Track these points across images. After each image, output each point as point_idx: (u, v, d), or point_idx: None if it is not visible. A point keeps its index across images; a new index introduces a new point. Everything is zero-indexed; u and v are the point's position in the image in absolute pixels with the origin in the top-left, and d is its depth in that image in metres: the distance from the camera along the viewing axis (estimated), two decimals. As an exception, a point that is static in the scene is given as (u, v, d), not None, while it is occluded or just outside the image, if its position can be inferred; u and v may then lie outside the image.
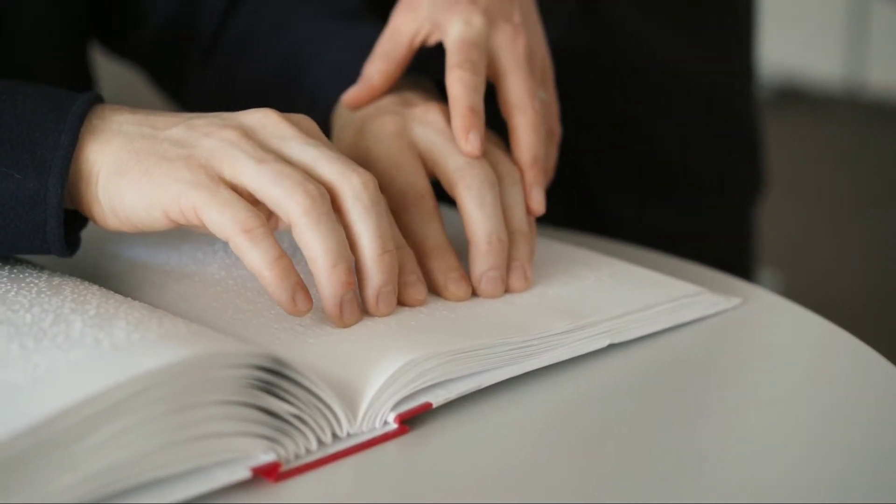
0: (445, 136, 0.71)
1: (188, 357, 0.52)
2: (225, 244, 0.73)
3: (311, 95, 0.81)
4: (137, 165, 0.63)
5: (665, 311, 0.68)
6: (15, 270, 0.65)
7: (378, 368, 0.58)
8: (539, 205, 0.72)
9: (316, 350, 0.61)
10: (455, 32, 0.73)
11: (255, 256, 0.61)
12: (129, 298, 0.62)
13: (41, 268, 0.66)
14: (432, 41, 0.76)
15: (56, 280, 0.64)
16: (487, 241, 0.68)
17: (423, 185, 0.70)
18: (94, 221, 0.66)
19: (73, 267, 0.71)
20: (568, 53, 1.03)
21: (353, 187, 0.63)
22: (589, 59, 1.06)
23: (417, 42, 0.76)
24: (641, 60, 1.08)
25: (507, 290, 0.69)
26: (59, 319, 0.57)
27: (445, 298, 0.68)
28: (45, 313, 0.58)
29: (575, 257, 0.74)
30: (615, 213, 1.10)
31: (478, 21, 0.74)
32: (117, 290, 0.66)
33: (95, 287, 0.63)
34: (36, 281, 0.63)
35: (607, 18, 1.05)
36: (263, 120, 0.65)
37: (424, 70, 0.78)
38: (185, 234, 0.74)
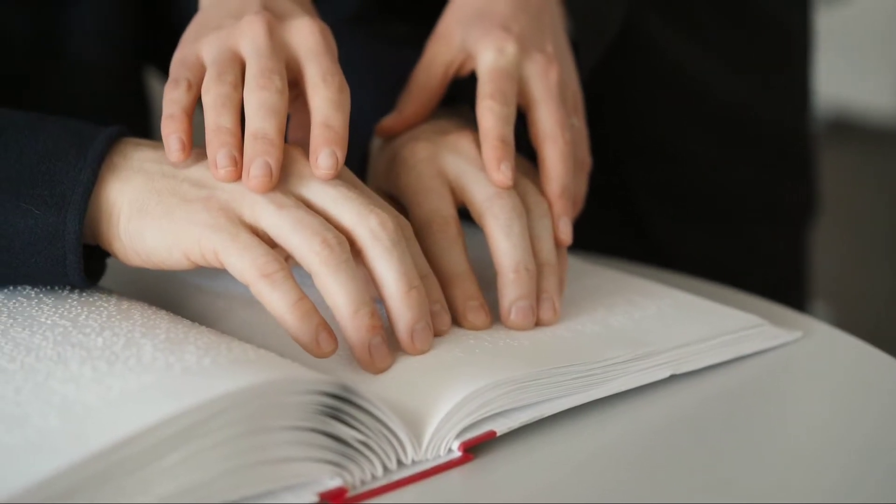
0: (476, 164, 0.71)
1: (260, 382, 0.52)
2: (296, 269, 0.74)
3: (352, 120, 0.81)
4: (158, 206, 0.63)
5: (726, 342, 0.68)
6: (84, 294, 0.66)
7: (444, 396, 0.58)
8: (567, 236, 0.72)
9: (382, 377, 0.61)
10: (487, 61, 0.73)
11: (276, 300, 0.61)
12: (196, 324, 0.63)
13: (109, 291, 0.67)
14: (466, 71, 0.76)
15: (125, 304, 0.65)
16: (515, 270, 0.68)
17: (448, 212, 0.70)
18: (116, 258, 0.66)
19: (138, 290, 0.72)
20: (614, 80, 1.04)
21: (371, 229, 0.63)
22: (636, 86, 1.07)
23: (451, 73, 0.76)
24: (689, 86, 1.08)
25: (536, 323, 0.68)
26: (131, 343, 0.58)
27: (464, 327, 0.67)
28: (117, 337, 0.59)
29: (637, 287, 0.74)
30: (665, 238, 1.10)
31: (511, 49, 0.73)
32: (183, 315, 0.67)
33: (163, 312, 0.64)
34: (105, 305, 0.64)
35: (653, 46, 1.06)
36: (285, 157, 0.65)
37: (463, 97, 0.78)
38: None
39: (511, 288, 0.68)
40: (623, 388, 0.64)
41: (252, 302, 0.70)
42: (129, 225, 0.64)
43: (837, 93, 3.24)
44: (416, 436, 0.57)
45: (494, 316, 0.68)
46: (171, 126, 0.65)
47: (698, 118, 1.09)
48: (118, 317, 0.62)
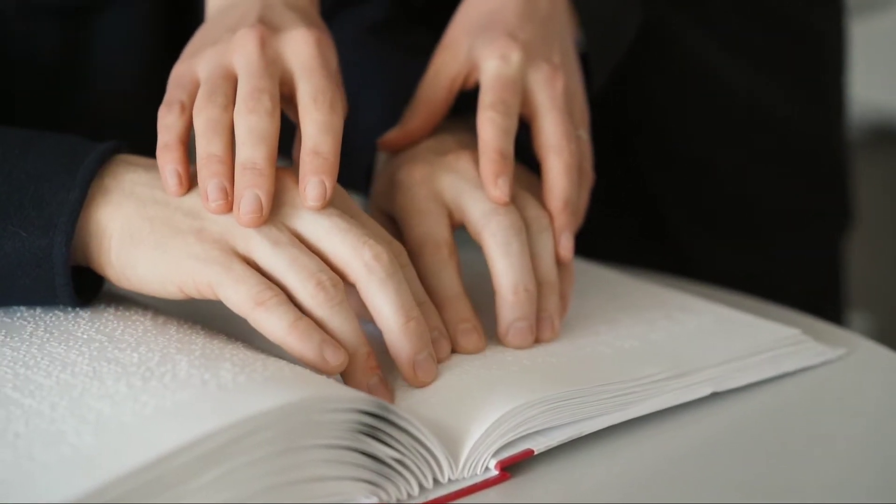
0: (473, 183, 0.69)
1: (295, 400, 0.52)
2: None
3: (363, 134, 0.80)
4: (150, 236, 0.63)
5: (769, 359, 0.67)
6: (121, 308, 0.66)
7: (481, 415, 0.58)
8: (568, 251, 0.70)
9: (418, 395, 0.61)
10: (490, 69, 0.72)
11: (273, 325, 0.60)
12: (232, 339, 0.63)
13: (146, 306, 0.67)
14: (472, 82, 0.74)
15: (161, 319, 0.64)
16: (514, 291, 0.67)
17: (441, 235, 0.68)
18: (109, 282, 0.65)
19: (173, 305, 0.71)
20: (642, 89, 1.03)
21: (365, 262, 0.62)
22: (664, 95, 1.06)
23: (458, 86, 0.74)
24: (718, 95, 1.07)
25: (535, 341, 0.67)
26: (166, 359, 0.58)
27: (458, 351, 0.66)
28: (152, 353, 0.59)
29: (677, 302, 0.74)
30: (694, 250, 1.09)
31: (515, 57, 0.72)
32: (217, 330, 0.67)
33: (199, 327, 0.64)
34: (142, 319, 0.64)
35: (681, 53, 1.05)
36: (277, 185, 0.63)
37: (470, 108, 0.75)
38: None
39: (509, 310, 0.67)
40: (663, 406, 0.63)
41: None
42: (120, 252, 0.63)
43: (876, 101, 3.21)
44: (453, 454, 0.57)
45: (491, 335, 0.67)
46: (167, 157, 0.64)
47: (728, 127, 1.08)
48: (154, 332, 0.62)
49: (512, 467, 0.58)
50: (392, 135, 0.75)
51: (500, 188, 0.68)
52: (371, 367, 0.61)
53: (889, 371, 0.71)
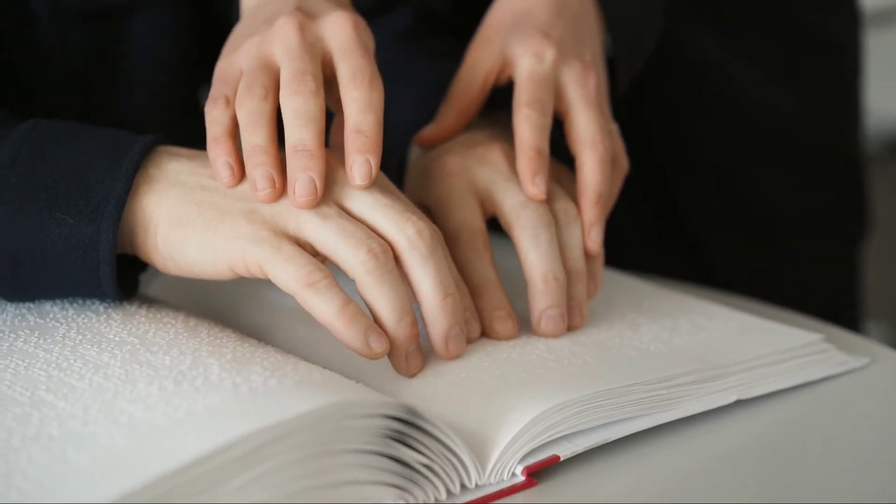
0: (504, 175, 0.72)
1: (325, 405, 0.52)
2: (354, 293, 0.74)
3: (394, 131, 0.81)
4: (199, 219, 0.64)
5: (793, 367, 0.68)
6: (152, 310, 0.67)
7: (508, 420, 0.58)
8: (596, 244, 0.72)
9: (447, 400, 0.61)
10: (525, 67, 0.73)
11: (322, 307, 0.61)
12: (263, 342, 0.63)
13: (177, 308, 0.68)
14: (505, 78, 0.76)
15: (192, 321, 0.65)
16: (543, 280, 0.69)
17: (476, 224, 0.70)
18: (155, 268, 0.67)
19: (204, 308, 0.72)
20: (663, 100, 1.04)
21: (408, 237, 0.63)
22: (686, 105, 1.06)
23: (491, 81, 0.76)
24: (739, 104, 1.08)
25: (567, 329, 0.69)
26: (198, 362, 0.58)
27: (491, 337, 0.68)
28: (184, 356, 0.59)
29: (701, 310, 0.74)
30: (716, 257, 1.09)
31: (549, 55, 0.73)
32: (248, 333, 0.67)
33: (230, 330, 0.65)
34: (173, 322, 0.65)
35: (702, 63, 1.05)
36: None
37: (500, 104, 0.78)
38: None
39: (540, 297, 0.69)
40: (688, 413, 0.63)
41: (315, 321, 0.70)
42: (168, 236, 0.64)
43: (892, 113, 3.21)
44: (480, 459, 0.57)
45: (525, 325, 0.69)
46: (217, 150, 0.65)
47: (748, 135, 1.09)
48: (185, 334, 0.63)
49: (538, 473, 0.58)
50: (428, 131, 0.77)
51: (537, 185, 0.70)
52: (414, 335, 0.63)
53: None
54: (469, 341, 0.67)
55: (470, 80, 0.76)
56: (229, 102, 0.66)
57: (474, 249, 0.70)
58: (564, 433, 0.59)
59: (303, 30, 0.67)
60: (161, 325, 0.64)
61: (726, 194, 1.09)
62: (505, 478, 0.58)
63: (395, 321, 0.62)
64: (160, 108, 0.92)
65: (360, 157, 0.64)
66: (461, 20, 0.93)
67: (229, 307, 0.74)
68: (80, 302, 0.68)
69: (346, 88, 0.66)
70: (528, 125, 0.71)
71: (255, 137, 0.64)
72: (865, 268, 1.21)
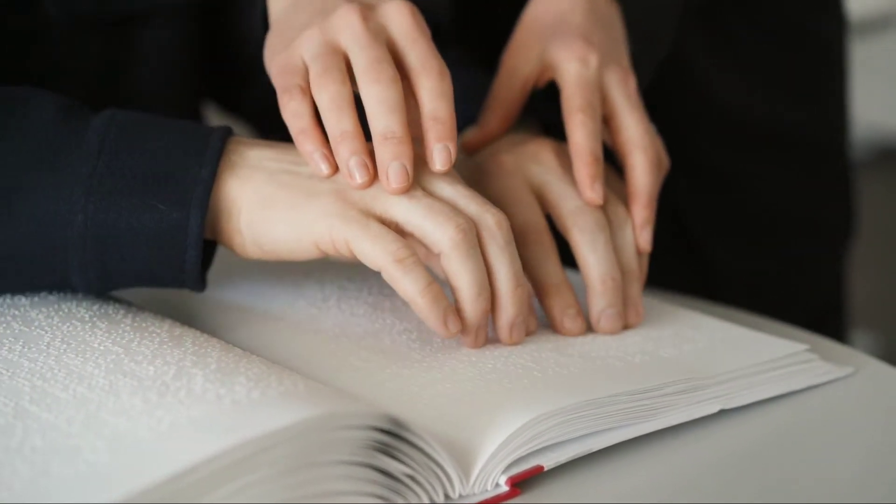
0: (558, 175, 0.73)
1: (307, 417, 0.52)
2: (338, 300, 0.74)
3: None
4: (286, 199, 0.66)
5: (777, 377, 0.68)
6: (138, 318, 0.67)
7: (493, 430, 0.58)
8: (648, 244, 0.74)
9: (431, 410, 0.61)
10: (572, 72, 0.75)
11: (408, 284, 0.64)
12: (248, 352, 0.63)
13: (163, 317, 0.68)
14: (543, 82, 0.77)
15: (177, 331, 0.65)
16: (602, 281, 0.71)
17: (541, 223, 0.72)
18: (234, 252, 0.69)
19: (189, 317, 0.72)
20: (652, 105, 1.04)
21: (488, 226, 0.66)
22: (673, 104, 1.07)
23: (530, 85, 0.78)
24: (726, 108, 1.08)
25: (624, 326, 0.72)
26: (182, 373, 0.58)
27: (562, 334, 0.71)
28: (168, 366, 0.59)
29: (686, 320, 0.74)
30: (716, 257, 1.10)
31: (594, 60, 0.75)
32: (233, 343, 0.67)
33: (215, 339, 0.65)
34: (158, 331, 0.65)
35: (690, 68, 1.06)
36: None
37: (531, 111, 0.79)
38: (300, 291, 0.75)
39: (599, 298, 0.71)
40: (672, 423, 0.63)
41: (301, 331, 0.70)
42: (252, 218, 0.67)
43: (880, 120, 3.22)
44: (465, 470, 0.57)
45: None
46: (309, 142, 0.67)
47: (739, 137, 1.09)
48: (170, 344, 0.63)
49: (521, 483, 0.58)
50: (471, 135, 0.79)
51: (595, 192, 0.72)
52: (488, 311, 0.67)
53: (893, 390, 0.71)
54: (528, 334, 0.70)
55: (510, 84, 0.78)
56: (304, 91, 0.67)
57: (542, 248, 0.72)
58: (548, 443, 0.60)
59: (366, 18, 0.68)
60: (146, 334, 0.64)
61: (722, 195, 1.09)
62: (489, 488, 0.58)
63: (475, 295, 0.65)
64: (169, 115, 0.92)
65: (440, 144, 0.66)
66: (463, 29, 0.94)
67: (212, 317, 0.74)
68: (66, 310, 0.68)
69: (417, 77, 0.68)
70: (583, 130, 0.73)
71: (342, 122, 0.66)
72: (852, 276, 1.21)
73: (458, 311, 0.66)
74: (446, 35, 0.94)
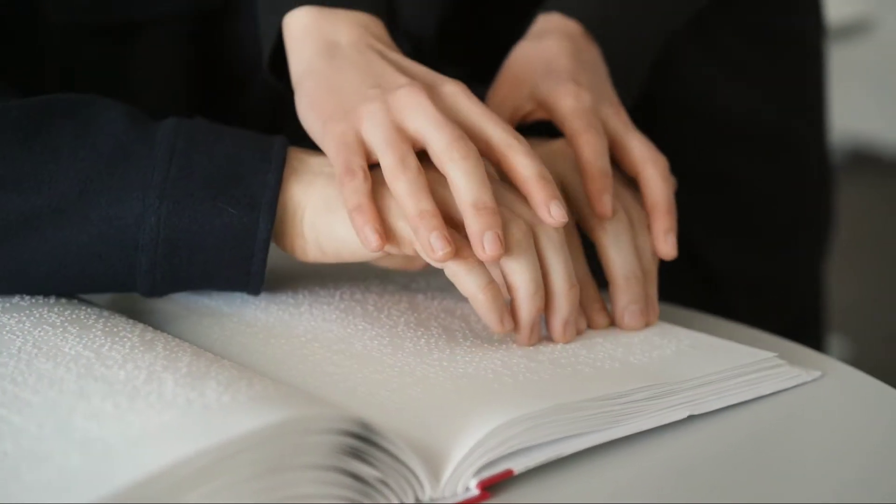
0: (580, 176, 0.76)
1: (277, 422, 0.53)
2: (310, 305, 0.74)
3: None
4: None
5: (745, 382, 0.68)
6: (109, 324, 0.67)
7: (463, 435, 0.59)
8: (674, 249, 0.77)
9: (402, 414, 0.62)
10: (569, 104, 0.77)
11: (470, 281, 0.67)
12: (219, 357, 0.63)
13: (135, 322, 0.68)
14: (532, 119, 0.80)
15: (149, 335, 0.65)
16: (626, 278, 0.74)
17: (570, 223, 0.75)
18: (294, 254, 0.72)
19: (162, 322, 0.72)
20: (640, 111, 1.05)
21: (545, 229, 0.69)
22: (659, 106, 1.07)
23: (518, 117, 0.80)
24: (709, 105, 1.09)
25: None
26: (152, 377, 0.59)
27: (589, 327, 0.74)
28: (139, 370, 0.60)
29: (656, 328, 0.75)
30: (713, 258, 1.11)
31: (586, 97, 0.78)
32: (205, 348, 0.68)
33: (186, 344, 0.65)
34: (129, 335, 0.65)
35: (676, 73, 1.06)
36: None
37: None
38: (273, 296, 0.76)
39: (623, 294, 0.74)
40: (641, 429, 0.64)
41: (274, 336, 0.70)
42: (315, 220, 0.70)
43: (857, 125, 3.24)
44: (435, 474, 0.57)
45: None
46: (363, 217, 0.68)
47: (717, 137, 1.10)
48: (141, 348, 0.63)
49: (492, 487, 0.59)
50: None
51: (604, 204, 0.75)
52: (542, 308, 0.70)
53: (862, 393, 0.71)
54: (578, 333, 0.72)
55: (499, 112, 0.79)
56: (366, 172, 0.69)
57: (572, 246, 0.74)
58: (519, 447, 0.60)
59: (434, 100, 0.70)
60: (117, 338, 0.64)
61: (707, 195, 1.10)
62: (459, 492, 0.58)
63: (532, 293, 0.68)
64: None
65: (555, 202, 0.69)
66: (447, 44, 0.94)
67: (185, 321, 0.74)
68: (37, 315, 0.68)
69: (507, 151, 0.70)
70: (590, 149, 0.75)
71: (422, 203, 0.68)
72: (828, 282, 1.22)
73: (512, 309, 0.69)
74: (431, 51, 0.94)
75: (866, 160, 3.30)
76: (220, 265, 0.70)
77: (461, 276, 0.68)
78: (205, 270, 0.70)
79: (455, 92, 0.72)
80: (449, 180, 0.68)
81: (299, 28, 0.76)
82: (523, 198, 0.70)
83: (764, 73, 1.11)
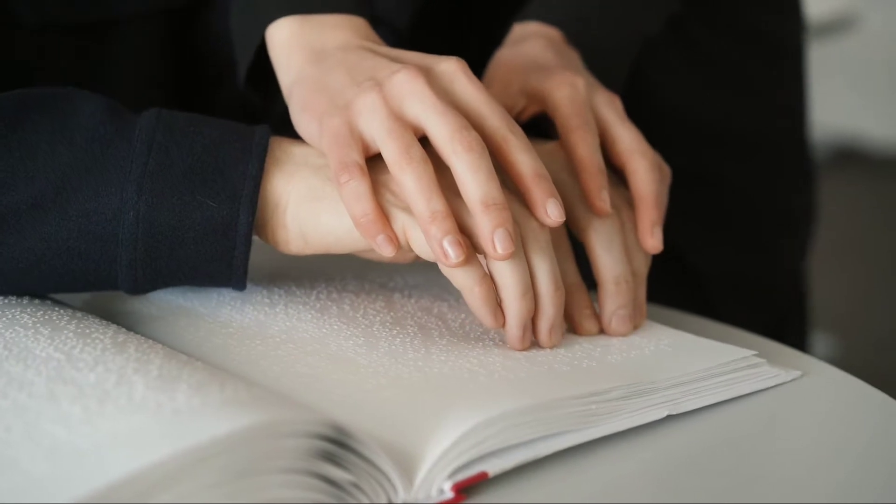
0: (573, 178, 0.75)
1: (248, 426, 0.52)
2: (285, 306, 0.74)
3: None
4: (333, 191, 0.68)
5: (724, 382, 0.68)
6: (82, 325, 0.66)
7: (437, 436, 0.58)
8: (660, 243, 0.75)
9: (376, 416, 0.61)
10: (565, 96, 0.76)
11: (466, 275, 0.66)
12: (192, 358, 0.63)
13: (108, 323, 0.67)
14: (527, 115, 0.79)
15: (121, 337, 0.65)
16: (616, 282, 0.73)
17: (561, 227, 0.73)
18: (277, 247, 0.70)
19: (135, 323, 0.72)
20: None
21: (531, 227, 0.68)
22: (642, 108, 1.07)
23: (511, 116, 0.78)
24: (685, 108, 1.09)
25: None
26: (123, 381, 0.58)
27: (578, 333, 0.73)
28: (109, 373, 0.59)
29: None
30: (685, 253, 1.10)
31: (581, 83, 0.77)
32: (179, 349, 0.67)
33: (159, 346, 0.64)
34: (101, 337, 0.64)
35: (638, 70, 1.06)
36: None
37: None
38: (248, 296, 0.75)
39: (613, 298, 0.73)
40: (619, 429, 0.63)
41: (248, 337, 0.70)
42: (298, 210, 0.68)
43: (841, 122, 3.24)
44: (409, 476, 0.57)
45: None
46: (375, 227, 0.66)
47: (696, 138, 1.10)
48: (113, 350, 0.62)
49: (467, 489, 0.58)
50: None
51: (603, 201, 0.74)
52: (532, 310, 0.68)
53: (843, 393, 0.71)
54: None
55: None
56: (363, 170, 0.67)
57: (562, 251, 0.74)
58: (494, 448, 0.59)
59: (431, 83, 0.68)
60: (89, 340, 0.64)
61: (693, 195, 1.10)
62: (433, 494, 0.57)
63: (521, 293, 0.67)
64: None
65: (552, 199, 0.68)
66: (425, 38, 0.94)
67: (159, 321, 0.73)
68: (9, 316, 0.68)
69: (505, 141, 0.69)
70: (584, 145, 0.75)
71: (433, 203, 0.66)
72: (812, 280, 1.22)
73: (502, 310, 0.68)
74: (405, 41, 0.94)
75: (851, 157, 3.30)
76: (202, 260, 0.68)
77: (456, 269, 0.66)
78: (187, 265, 0.69)
79: (453, 70, 0.70)
80: (454, 173, 0.66)
81: (283, 39, 0.75)
82: (510, 194, 0.69)
83: (743, 74, 1.11)
